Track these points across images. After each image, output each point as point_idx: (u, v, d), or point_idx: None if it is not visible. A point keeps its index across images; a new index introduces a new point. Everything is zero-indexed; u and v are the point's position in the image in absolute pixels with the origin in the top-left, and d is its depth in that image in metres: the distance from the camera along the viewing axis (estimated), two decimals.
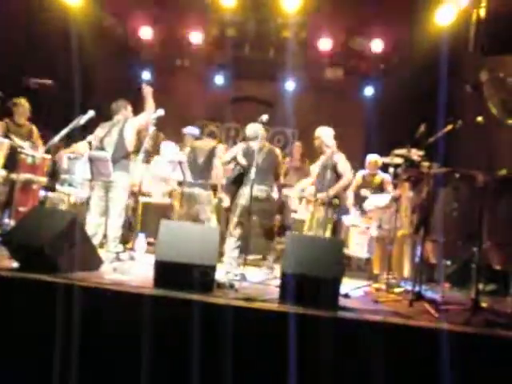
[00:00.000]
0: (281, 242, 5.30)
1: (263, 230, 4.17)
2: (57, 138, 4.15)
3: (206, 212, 4.52)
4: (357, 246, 4.60)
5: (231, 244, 4.06)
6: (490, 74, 3.49)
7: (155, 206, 5.01)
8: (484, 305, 3.04)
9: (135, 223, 4.80)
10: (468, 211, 3.21)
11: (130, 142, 4.13)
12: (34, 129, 4.89)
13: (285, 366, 2.55)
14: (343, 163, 4.27)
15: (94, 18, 6.12)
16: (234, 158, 4.26)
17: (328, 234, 4.12)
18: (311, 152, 5.33)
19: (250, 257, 4.69)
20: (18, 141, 4.61)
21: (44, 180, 4.69)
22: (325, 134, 4.37)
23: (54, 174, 5.07)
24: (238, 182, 4.32)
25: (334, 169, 4.22)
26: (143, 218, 4.77)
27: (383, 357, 2.51)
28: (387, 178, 5.02)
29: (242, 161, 4.17)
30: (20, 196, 4.39)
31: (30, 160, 4.50)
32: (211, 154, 4.64)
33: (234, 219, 4.09)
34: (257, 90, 7.39)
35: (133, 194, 4.85)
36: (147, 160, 4.95)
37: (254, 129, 4.20)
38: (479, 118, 3.12)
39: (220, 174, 4.72)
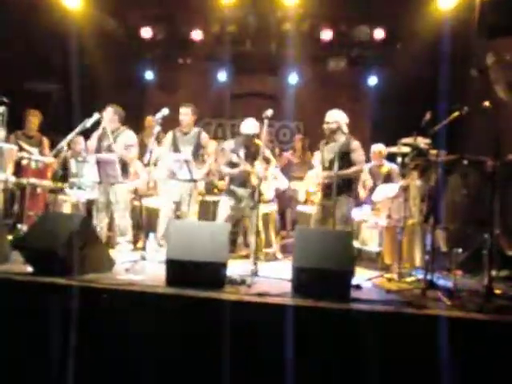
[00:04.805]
0: (289, 236, 5.33)
1: None
2: (64, 142, 4.19)
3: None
4: (369, 240, 4.58)
5: None
6: (495, 57, 3.45)
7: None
8: (497, 291, 3.02)
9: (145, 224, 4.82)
10: (477, 197, 3.19)
11: None
12: (45, 140, 4.95)
13: (298, 358, 2.57)
14: (360, 152, 4.03)
15: (94, 20, 6.12)
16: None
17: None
18: (316, 145, 5.29)
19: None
20: (26, 146, 4.67)
21: (49, 184, 4.75)
22: (342, 119, 4.13)
23: (62, 177, 5.13)
24: None
25: (348, 156, 3.98)
26: (151, 220, 4.77)
27: (397, 347, 2.52)
28: (394, 167, 4.98)
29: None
30: (27, 200, 4.45)
31: (33, 165, 4.55)
32: None
33: None
34: (260, 84, 7.36)
35: (140, 196, 4.88)
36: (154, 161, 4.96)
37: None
38: (486, 103, 3.09)
39: None
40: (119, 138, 4.47)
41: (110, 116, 4.45)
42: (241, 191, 4.34)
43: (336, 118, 4.14)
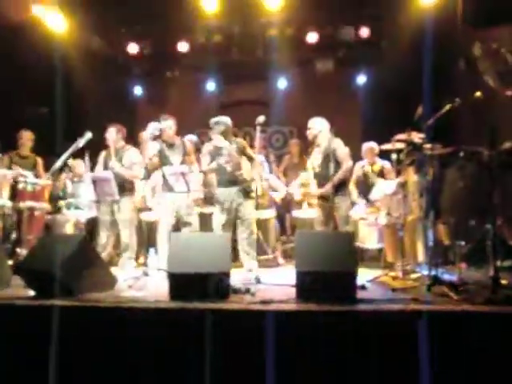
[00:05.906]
0: (290, 240, 5.30)
1: None
2: (58, 164, 4.17)
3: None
4: (367, 238, 4.57)
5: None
6: (483, 47, 3.45)
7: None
8: (503, 282, 3.00)
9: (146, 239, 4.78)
10: (476, 189, 3.17)
11: None
12: (39, 160, 4.93)
13: (306, 362, 2.53)
14: (342, 148, 4.16)
15: (80, 39, 6.13)
16: None
17: None
18: (308, 149, 5.26)
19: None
20: (21, 170, 4.64)
21: (47, 206, 4.72)
22: (323, 126, 4.30)
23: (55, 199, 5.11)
24: None
25: (334, 156, 4.13)
26: (152, 234, 4.73)
27: (405, 345, 2.49)
28: (387, 165, 4.99)
29: None
30: (25, 224, 4.41)
31: (29, 188, 4.52)
32: None
33: None
34: (249, 92, 7.37)
35: (139, 210, 4.86)
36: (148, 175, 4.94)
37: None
38: (477, 93, 3.09)
39: None
40: (125, 156, 4.48)
41: (113, 136, 4.47)
42: (224, 191, 4.18)
43: (316, 124, 4.31)
